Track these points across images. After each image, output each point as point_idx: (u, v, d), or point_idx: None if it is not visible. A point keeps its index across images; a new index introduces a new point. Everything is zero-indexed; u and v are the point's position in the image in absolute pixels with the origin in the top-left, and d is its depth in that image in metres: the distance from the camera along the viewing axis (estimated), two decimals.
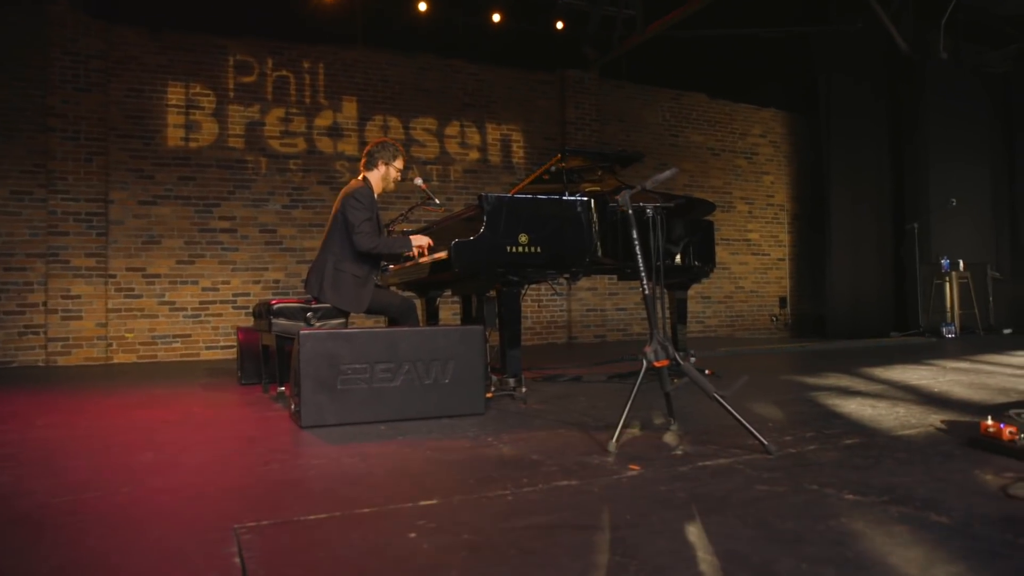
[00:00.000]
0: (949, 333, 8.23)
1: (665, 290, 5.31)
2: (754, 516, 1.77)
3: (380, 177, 4.15)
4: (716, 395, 2.54)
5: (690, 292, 5.60)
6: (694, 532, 1.67)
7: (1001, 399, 3.63)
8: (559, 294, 9.01)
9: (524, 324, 8.65)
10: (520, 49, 9.06)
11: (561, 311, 9.12)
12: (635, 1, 8.45)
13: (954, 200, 8.78)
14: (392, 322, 4.14)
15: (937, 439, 2.67)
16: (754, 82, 10.33)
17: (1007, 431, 2.40)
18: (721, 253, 9.68)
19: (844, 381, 4.47)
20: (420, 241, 4.11)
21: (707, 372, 4.94)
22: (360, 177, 4.16)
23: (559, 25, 8.64)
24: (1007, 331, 8.85)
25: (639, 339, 9.11)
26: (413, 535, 1.65)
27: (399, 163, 4.20)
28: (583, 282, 8.98)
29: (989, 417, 2.53)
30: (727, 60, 9.89)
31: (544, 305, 9.05)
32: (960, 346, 7.20)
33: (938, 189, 9.07)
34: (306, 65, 8.12)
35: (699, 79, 10.04)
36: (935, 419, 3.06)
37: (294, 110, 8.06)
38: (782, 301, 10.52)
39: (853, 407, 3.44)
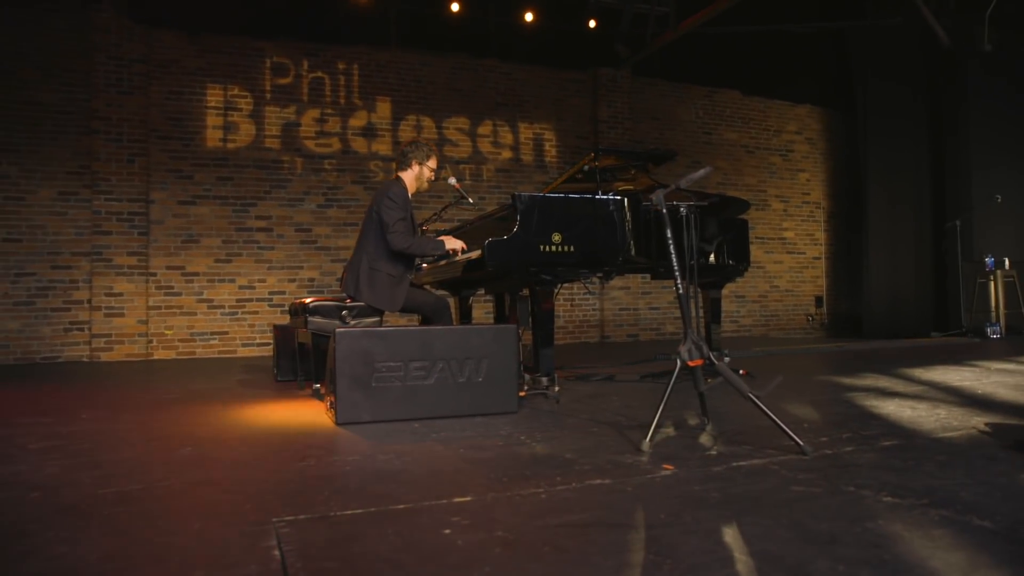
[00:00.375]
0: (994, 334, 8.03)
1: (699, 289, 5.28)
2: (789, 517, 1.76)
3: (414, 177, 4.19)
4: (751, 395, 2.52)
5: (724, 291, 5.56)
6: (729, 532, 1.66)
7: None
8: (591, 293, 9.00)
9: (556, 323, 8.65)
10: (552, 48, 9.05)
11: (594, 310, 9.10)
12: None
13: (999, 196, 8.56)
14: (426, 321, 4.17)
15: (980, 441, 2.62)
16: (788, 79, 10.19)
17: None
18: (756, 252, 9.57)
19: (882, 382, 4.40)
20: (453, 244, 4.13)
21: (741, 372, 4.90)
22: (394, 176, 4.20)
23: (591, 23, 8.62)
24: None
25: (672, 339, 9.05)
26: (447, 531, 1.67)
27: (432, 163, 4.23)
28: (616, 281, 8.95)
29: None
30: (761, 56, 9.77)
31: (577, 304, 9.04)
32: (1005, 347, 7.02)
33: (980, 187, 8.84)
34: (341, 66, 8.21)
35: (733, 76, 9.94)
36: (978, 421, 2.99)
37: (329, 111, 8.16)
38: (818, 300, 10.36)
39: (891, 408, 3.38)
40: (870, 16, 9.29)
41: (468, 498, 1.95)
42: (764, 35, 9.30)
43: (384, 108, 8.38)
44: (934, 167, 9.49)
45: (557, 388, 3.85)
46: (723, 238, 5.01)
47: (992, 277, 8.31)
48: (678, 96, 9.79)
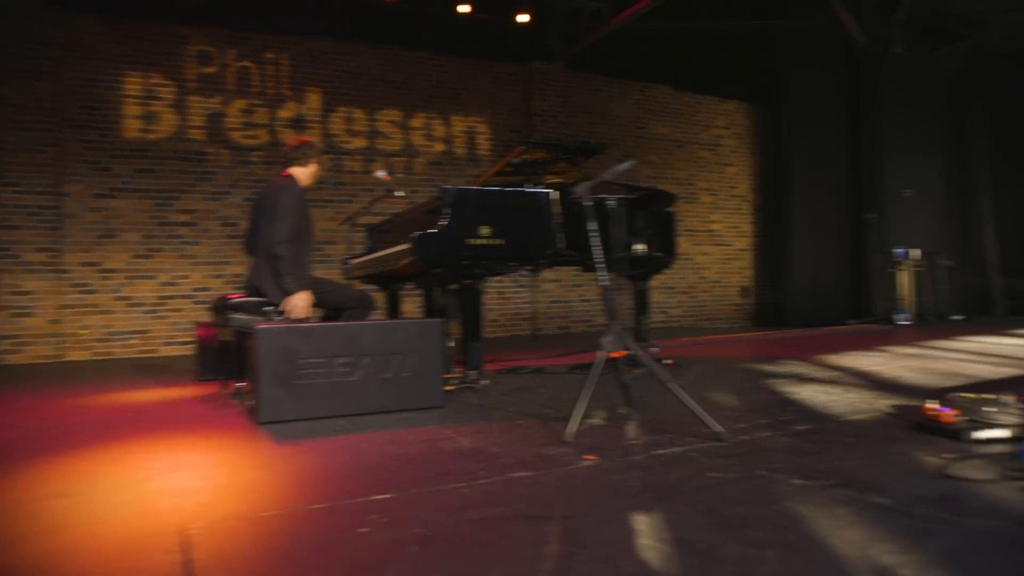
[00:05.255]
0: (902, 320, 8.42)
1: (628, 281, 5.37)
2: (704, 503, 1.81)
3: (310, 174, 4.18)
4: (670, 384, 2.57)
5: (653, 283, 5.66)
6: (644, 520, 1.70)
7: (948, 383, 3.73)
8: (523, 286, 9.04)
9: (488, 316, 8.66)
10: (487, 41, 9.02)
11: (526, 303, 9.15)
12: None
13: (908, 191, 8.98)
14: (348, 316, 4.10)
15: (885, 423, 2.75)
16: (718, 74, 10.43)
17: (948, 414, 2.47)
18: (685, 244, 9.79)
19: (800, 368, 4.56)
20: (298, 302, 3.81)
21: (668, 362, 5.00)
22: (285, 174, 4.12)
23: (526, 17, 8.63)
24: (958, 317, 9.09)
25: (604, 330, 9.16)
26: (365, 530, 1.66)
27: (319, 163, 4.25)
28: (548, 273, 9.01)
29: (932, 401, 2.61)
30: (692, 52, 9.96)
31: (508, 297, 9.06)
32: (912, 333, 7.37)
33: (893, 180, 9.27)
34: (269, 56, 8.00)
35: (664, 71, 10.10)
36: (884, 404, 3.14)
37: (257, 101, 7.95)
38: (745, 291, 10.66)
39: (807, 393, 3.51)
40: (795, 16, 9.60)
41: (389, 495, 1.94)
42: (695, 32, 9.49)
43: (314, 99, 8.20)
44: (852, 159, 9.89)
45: (486, 381, 3.86)
46: (650, 230, 5.10)
47: (902, 267, 8.71)
48: (611, 91, 9.91)
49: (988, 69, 10.24)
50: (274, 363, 3.06)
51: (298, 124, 8.09)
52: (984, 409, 2.43)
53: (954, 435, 2.39)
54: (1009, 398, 2.51)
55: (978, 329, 7.45)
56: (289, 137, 4.30)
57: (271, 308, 3.87)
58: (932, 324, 8.52)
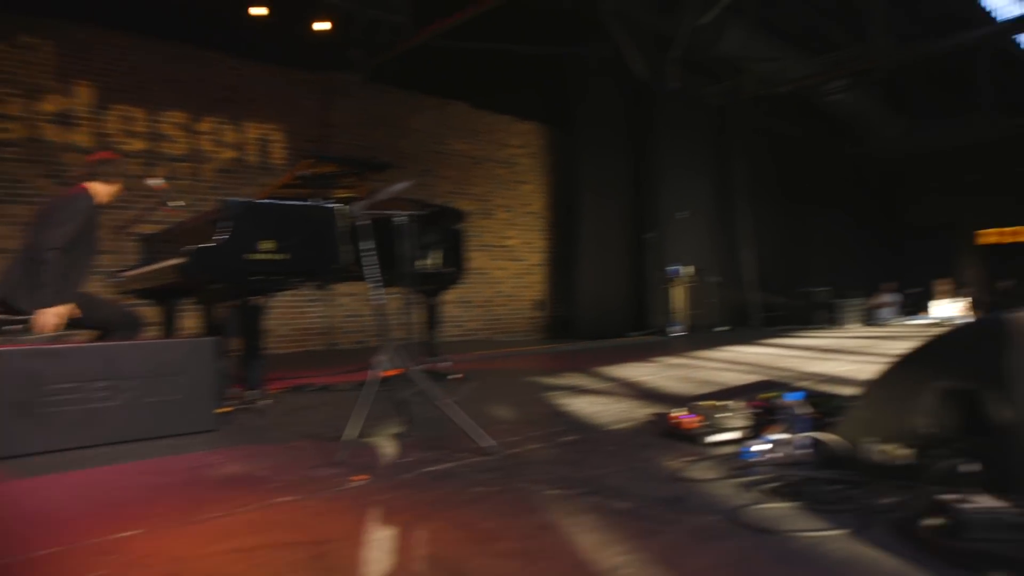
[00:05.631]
0: (676, 332, 9.28)
1: (421, 295, 5.43)
2: (463, 518, 1.88)
3: (109, 193, 3.89)
4: (438, 402, 2.65)
5: (451, 297, 5.78)
6: (402, 539, 1.73)
7: (702, 390, 4.15)
8: (318, 300, 8.80)
9: (280, 331, 8.34)
10: (284, 46, 8.69)
11: (320, 317, 8.91)
12: (403, 7, 8.50)
13: (683, 213, 9.96)
14: (113, 336, 3.78)
15: (641, 431, 3.01)
16: (516, 96, 10.85)
17: (691, 420, 2.77)
18: (481, 258, 10.07)
19: (579, 380, 4.87)
20: (47, 318, 3.54)
21: (458, 376, 5.11)
22: (82, 186, 3.80)
23: (326, 25, 8.44)
24: (723, 328, 10.18)
25: (401, 344, 9.17)
26: (98, 575, 1.54)
27: (123, 183, 3.97)
28: (343, 287, 8.82)
29: (679, 409, 2.91)
30: (492, 73, 10.27)
31: (302, 311, 8.78)
32: (684, 343, 8.15)
33: (669, 202, 10.22)
34: (28, 40, 7.14)
35: (465, 89, 10.34)
36: (645, 413, 3.43)
37: (11, 91, 7.06)
38: (539, 304, 11.16)
39: (580, 405, 3.76)
40: (585, 45, 10.26)
41: (136, 531, 1.81)
42: (495, 52, 9.82)
43: (85, 94, 7.44)
44: (636, 184, 10.77)
45: (266, 401, 3.72)
46: (440, 246, 5.21)
47: (676, 283, 9.61)
48: (411, 105, 9.96)
49: (747, 108, 11.64)
50: (13, 391, 2.73)
51: (65, 120, 7.30)
52: (717, 416, 2.75)
53: (693, 440, 2.68)
54: (739, 404, 2.86)
55: (737, 339, 8.38)
56: (102, 152, 3.93)
57: (13, 325, 3.46)
58: (701, 335, 9.46)
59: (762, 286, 11.64)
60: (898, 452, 2.21)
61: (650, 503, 1.98)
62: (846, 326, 10.92)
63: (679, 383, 4.54)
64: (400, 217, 4.14)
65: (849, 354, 6.32)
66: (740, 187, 11.65)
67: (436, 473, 2.34)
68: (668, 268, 9.60)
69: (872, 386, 2.38)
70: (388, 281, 4.80)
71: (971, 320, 2.29)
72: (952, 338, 2.31)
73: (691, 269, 9.78)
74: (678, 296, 9.62)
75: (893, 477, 2.12)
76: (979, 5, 11.26)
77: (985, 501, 1.82)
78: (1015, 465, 2.03)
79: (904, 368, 2.33)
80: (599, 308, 10.20)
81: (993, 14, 11.33)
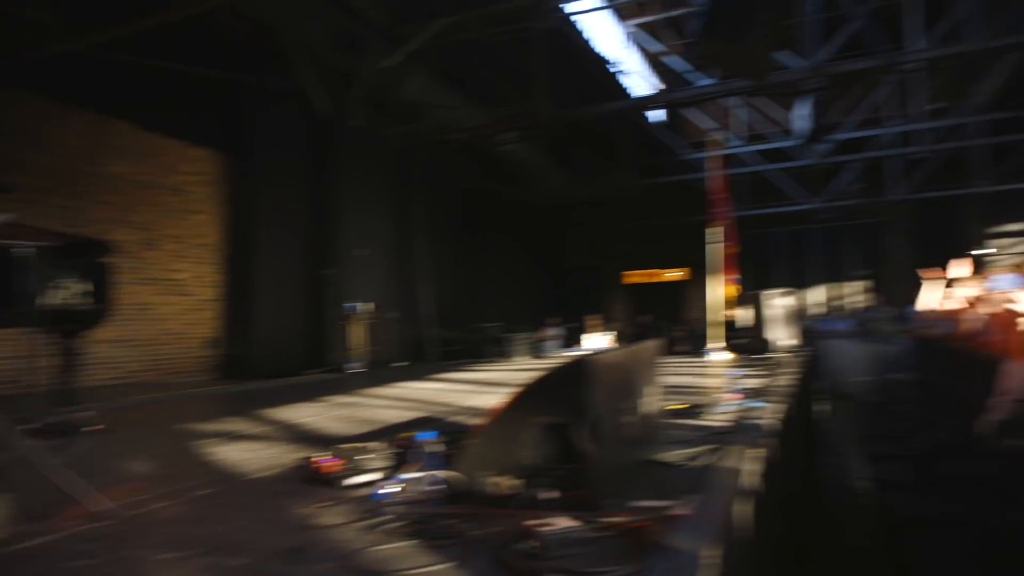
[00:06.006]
0: (354, 368, 9.35)
1: (58, 336, 4.80)
2: None
3: None
4: (39, 466, 2.37)
5: (108, 336, 5.19)
6: None
7: (362, 430, 4.22)
8: None
9: None
10: None
11: None
12: (50, 3, 7.48)
13: (361, 250, 10.13)
14: None
15: (283, 478, 2.98)
16: (192, 120, 10.13)
17: (331, 464, 2.82)
18: (145, 293, 9.18)
19: (237, 425, 4.65)
20: None
21: (98, 427, 4.57)
22: None
23: None
24: (401, 364, 10.50)
25: (36, 392, 7.92)
26: None
27: None
28: None
29: (321, 452, 2.95)
30: (166, 93, 9.49)
31: None
32: (360, 380, 8.22)
33: (349, 239, 10.33)
34: None
35: (132, 107, 9.38)
36: (294, 457, 3.37)
37: None
38: (211, 342, 10.46)
39: (229, 452, 3.60)
40: (269, 75, 9.99)
41: None
42: (170, 72, 9.08)
43: None
44: (316, 219, 10.69)
45: None
46: (84, 281, 4.68)
47: (353, 320, 9.70)
48: (63, 118, 8.75)
49: (429, 150, 12.29)
50: None
51: None
52: (357, 458, 2.84)
53: (331, 483, 2.73)
54: (381, 445, 2.98)
55: (412, 375, 8.68)
56: None
57: None
58: (379, 371, 9.62)
59: (440, 322, 12.26)
60: (507, 483, 2.49)
61: (269, 556, 1.98)
62: (515, 359, 11.94)
63: (340, 423, 4.58)
64: (23, 248, 3.67)
65: (508, 386, 6.92)
66: (420, 225, 12.22)
67: (28, 551, 2.07)
68: (346, 304, 9.66)
69: (487, 422, 2.66)
70: (2, 321, 4.19)
71: (565, 362, 2.71)
72: (552, 378, 2.68)
73: (370, 305, 9.94)
74: (357, 332, 9.71)
75: (500, 508, 2.39)
76: (619, 83, 13.34)
77: (562, 522, 2.15)
78: (590, 487, 2.42)
79: (514, 405, 2.65)
80: (276, 345, 9.89)
81: (628, 91, 13.51)
